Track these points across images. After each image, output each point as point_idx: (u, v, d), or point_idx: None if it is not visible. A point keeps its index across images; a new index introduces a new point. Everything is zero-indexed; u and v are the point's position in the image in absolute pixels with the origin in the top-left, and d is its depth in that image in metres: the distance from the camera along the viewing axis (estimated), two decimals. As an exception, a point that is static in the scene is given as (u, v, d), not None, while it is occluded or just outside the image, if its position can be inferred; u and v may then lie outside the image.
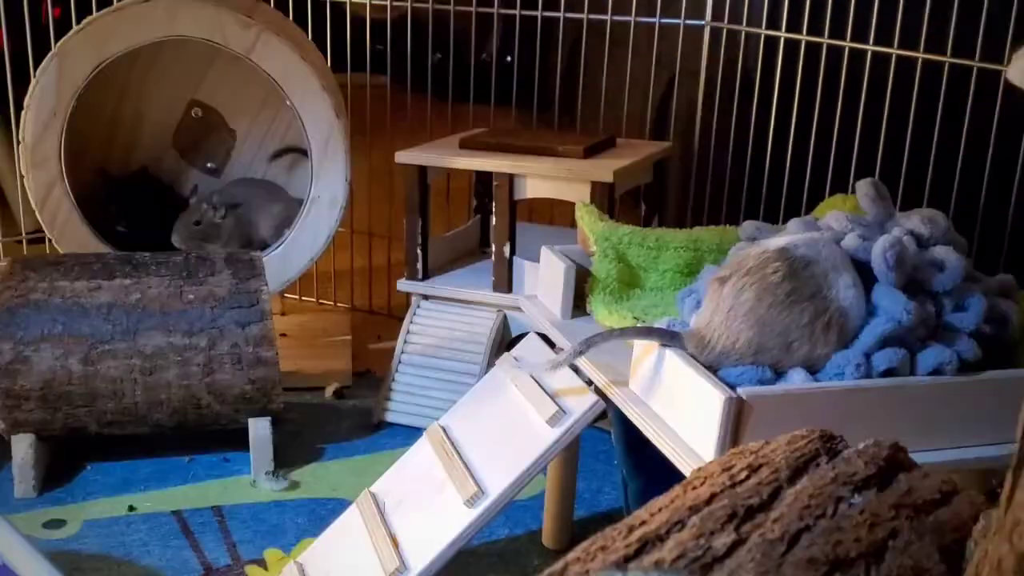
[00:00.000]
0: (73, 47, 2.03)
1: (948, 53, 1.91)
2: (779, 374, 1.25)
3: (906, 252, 1.27)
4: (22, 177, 2.13)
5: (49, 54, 2.04)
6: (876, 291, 1.27)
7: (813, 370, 1.25)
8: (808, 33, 2.13)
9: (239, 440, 1.94)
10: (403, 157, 2.15)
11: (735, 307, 1.24)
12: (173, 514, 1.81)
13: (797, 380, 1.23)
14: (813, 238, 1.30)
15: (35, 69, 2.08)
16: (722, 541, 0.75)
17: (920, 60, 1.95)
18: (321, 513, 1.80)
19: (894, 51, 1.99)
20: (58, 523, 1.77)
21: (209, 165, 2.37)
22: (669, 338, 1.29)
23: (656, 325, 1.35)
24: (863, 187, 1.40)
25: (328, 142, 2.14)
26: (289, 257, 2.23)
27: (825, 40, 2.09)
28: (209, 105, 2.33)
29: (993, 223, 1.90)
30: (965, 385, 1.26)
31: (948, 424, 1.26)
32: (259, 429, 1.92)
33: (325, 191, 2.17)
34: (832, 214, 1.39)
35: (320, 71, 2.15)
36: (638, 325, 1.45)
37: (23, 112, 2.05)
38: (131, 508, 1.82)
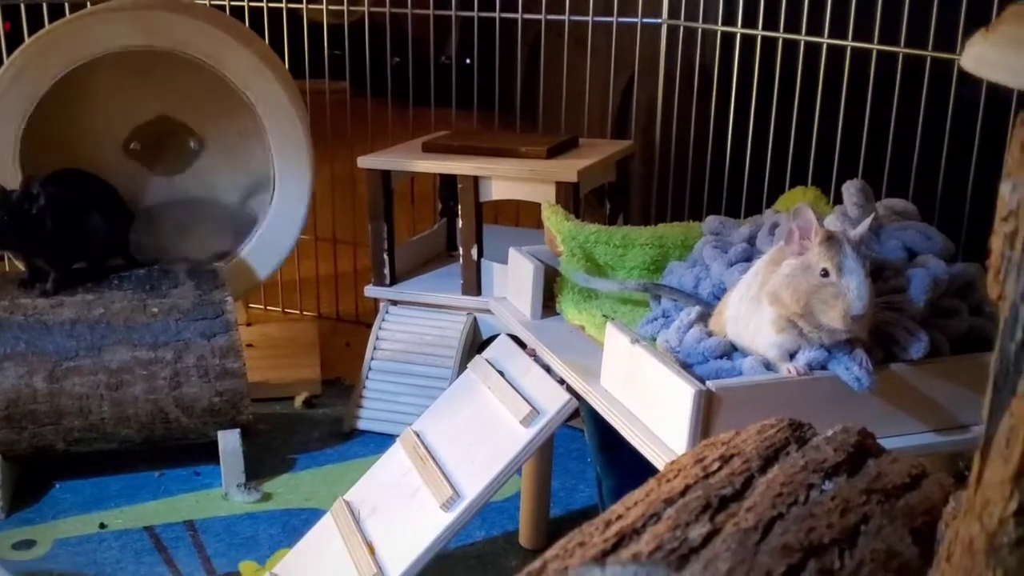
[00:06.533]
0: (27, 60, 2.01)
1: (902, 44, 1.93)
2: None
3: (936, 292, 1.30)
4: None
5: (3, 67, 2.01)
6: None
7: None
8: (764, 28, 2.15)
9: (209, 453, 1.93)
10: (366, 162, 2.14)
11: None
12: (145, 530, 1.79)
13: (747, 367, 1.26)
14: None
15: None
16: (698, 532, 0.75)
17: (874, 52, 1.98)
18: (295, 523, 1.79)
19: (849, 43, 2.01)
20: (28, 544, 1.75)
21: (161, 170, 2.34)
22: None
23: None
24: (851, 192, 1.41)
25: (293, 149, 2.13)
26: (253, 264, 2.22)
27: (780, 35, 2.12)
28: (171, 116, 2.31)
29: (951, 206, 1.93)
30: (930, 370, 1.27)
31: (915, 409, 1.28)
32: (229, 441, 1.90)
33: (286, 200, 2.17)
34: (831, 217, 1.40)
35: (282, 77, 2.15)
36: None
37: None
38: (102, 525, 1.80)
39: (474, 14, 2.45)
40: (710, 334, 1.33)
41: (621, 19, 2.35)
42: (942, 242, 1.37)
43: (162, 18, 2.06)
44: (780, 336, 1.23)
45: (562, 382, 1.47)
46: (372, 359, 2.15)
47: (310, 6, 2.56)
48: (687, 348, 1.30)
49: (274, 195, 2.18)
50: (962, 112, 1.90)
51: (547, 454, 1.72)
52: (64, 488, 1.92)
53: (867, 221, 1.24)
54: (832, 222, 1.39)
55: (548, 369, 1.51)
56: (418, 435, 1.60)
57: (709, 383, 1.18)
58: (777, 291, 1.22)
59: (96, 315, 1.88)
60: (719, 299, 1.45)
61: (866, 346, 1.24)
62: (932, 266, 1.32)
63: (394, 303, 2.21)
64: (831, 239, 1.19)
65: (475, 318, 2.15)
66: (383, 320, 2.19)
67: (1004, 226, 0.66)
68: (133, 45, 2.06)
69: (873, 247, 1.36)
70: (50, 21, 2.27)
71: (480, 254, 2.10)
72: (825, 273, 1.18)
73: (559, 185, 1.98)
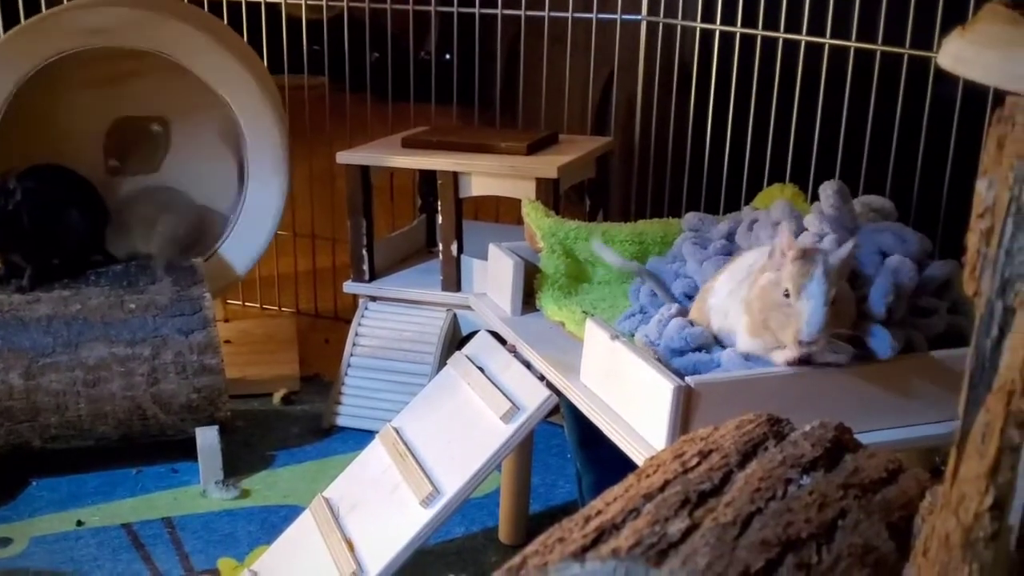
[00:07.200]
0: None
1: (879, 41, 1.94)
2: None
3: (903, 299, 1.31)
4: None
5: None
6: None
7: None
8: (742, 25, 2.15)
9: (187, 450, 1.92)
10: (345, 157, 2.13)
11: None
12: (123, 527, 1.78)
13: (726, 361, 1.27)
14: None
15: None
16: (676, 527, 0.76)
17: (852, 49, 1.99)
18: (274, 520, 1.79)
19: (826, 41, 2.02)
20: (4, 542, 1.73)
21: (111, 163, 2.31)
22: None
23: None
24: (828, 194, 1.41)
25: (267, 144, 2.12)
26: (230, 260, 2.21)
27: (759, 32, 2.12)
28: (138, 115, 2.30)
29: (929, 202, 1.94)
30: (906, 366, 1.28)
31: (892, 405, 1.28)
32: (207, 438, 1.89)
33: (262, 195, 2.16)
34: (810, 217, 1.41)
35: (257, 73, 2.13)
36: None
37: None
38: (79, 523, 1.79)
39: (454, 9, 2.45)
40: (681, 312, 1.34)
41: (601, 15, 2.36)
42: (917, 243, 1.38)
43: (136, 15, 2.05)
44: (753, 341, 1.26)
45: (542, 378, 1.47)
46: (351, 355, 2.14)
47: (289, 1, 2.55)
48: (668, 335, 1.31)
49: (249, 191, 2.17)
50: (939, 109, 1.91)
51: (527, 450, 1.73)
52: (41, 485, 1.91)
53: (850, 245, 1.25)
54: (811, 221, 1.40)
55: (528, 365, 1.51)
56: (398, 431, 1.59)
57: (688, 379, 1.19)
58: (751, 301, 1.26)
59: (73, 311, 1.87)
60: (690, 297, 1.46)
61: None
62: (898, 270, 1.32)
63: (373, 299, 2.20)
64: (804, 258, 1.21)
65: (455, 314, 2.14)
66: (362, 316, 2.18)
67: (980, 223, 0.66)
68: (107, 42, 2.04)
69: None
70: (26, 16, 2.24)
71: (460, 250, 2.10)
72: (787, 294, 1.20)
73: (539, 181, 1.98)
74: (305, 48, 2.54)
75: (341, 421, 2.11)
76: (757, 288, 1.25)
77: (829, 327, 1.19)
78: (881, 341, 1.25)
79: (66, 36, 2.02)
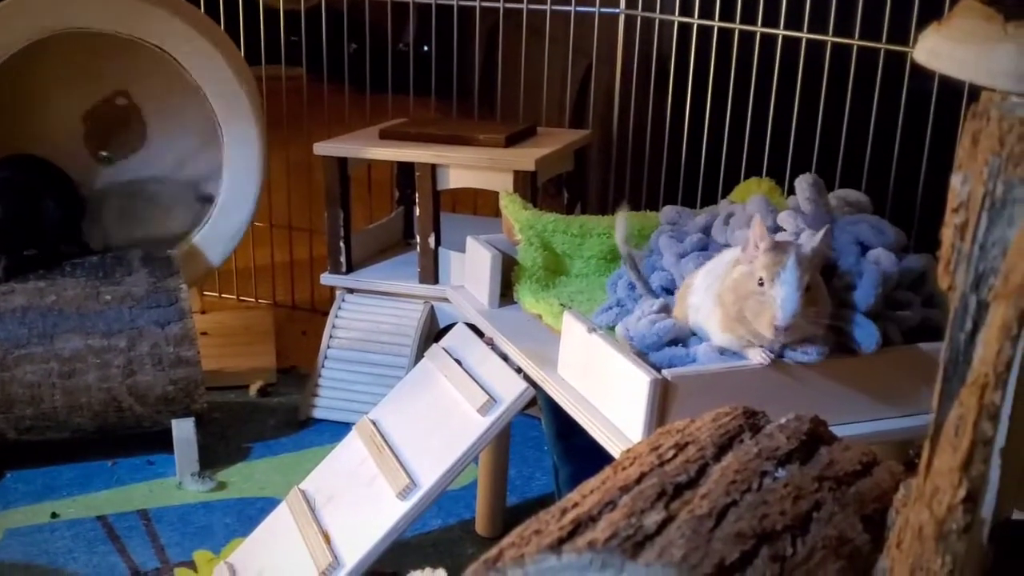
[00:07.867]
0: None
1: (856, 36, 1.95)
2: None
3: (888, 286, 1.32)
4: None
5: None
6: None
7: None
8: (720, 19, 2.16)
9: (163, 442, 1.91)
10: (322, 148, 2.12)
11: None
12: (98, 519, 1.77)
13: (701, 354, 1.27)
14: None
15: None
16: (652, 519, 0.76)
17: (829, 43, 2.00)
18: (250, 513, 1.78)
19: (804, 35, 2.03)
20: (-24, 535, 1.72)
21: (102, 154, 2.29)
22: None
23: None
24: (803, 187, 1.42)
25: (241, 128, 2.11)
26: (205, 250, 2.19)
27: (736, 26, 2.13)
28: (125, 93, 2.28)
29: (904, 197, 1.95)
30: (881, 359, 1.29)
31: (867, 397, 1.29)
32: (183, 430, 1.88)
33: (238, 183, 2.14)
34: (785, 215, 1.41)
35: (234, 62, 2.12)
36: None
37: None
38: (54, 515, 1.77)
39: (432, 1, 2.44)
40: (664, 308, 1.35)
41: (579, 8, 2.35)
42: (894, 235, 1.39)
43: (110, 0, 2.03)
44: (725, 336, 1.27)
45: (519, 371, 1.47)
46: (328, 347, 2.13)
47: (266, -9, 2.53)
48: (640, 331, 1.31)
49: (224, 181, 2.16)
50: (915, 104, 1.92)
51: (504, 442, 1.73)
52: (15, 477, 1.89)
53: (821, 233, 1.26)
54: (785, 219, 1.40)
55: (505, 358, 1.51)
56: (375, 424, 1.59)
57: (665, 372, 1.19)
58: (723, 293, 1.27)
59: (48, 302, 1.85)
60: (667, 290, 1.46)
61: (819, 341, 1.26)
62: (883, 261, 1.33)
63: (350, 291, 2.19)
64: (776, 249, 1.23)
65: (432, 306, 2.14)
66: (339, 308, 2.17)
67: (955, 218, 0.67)
68: (81, 27, 2.02)
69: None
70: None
71: (437, 242, 2.10)
72: (761, 282, 1.21)
73: (517, 174, 1.98)
74: (283, 39, 2.52)
75: (318, 413, 2.10)
76: (730, 280, 1.26)
77: (803, 313, 1.20)
78: (867, 334, 1.26)
79: (40, 22, 1.99)
